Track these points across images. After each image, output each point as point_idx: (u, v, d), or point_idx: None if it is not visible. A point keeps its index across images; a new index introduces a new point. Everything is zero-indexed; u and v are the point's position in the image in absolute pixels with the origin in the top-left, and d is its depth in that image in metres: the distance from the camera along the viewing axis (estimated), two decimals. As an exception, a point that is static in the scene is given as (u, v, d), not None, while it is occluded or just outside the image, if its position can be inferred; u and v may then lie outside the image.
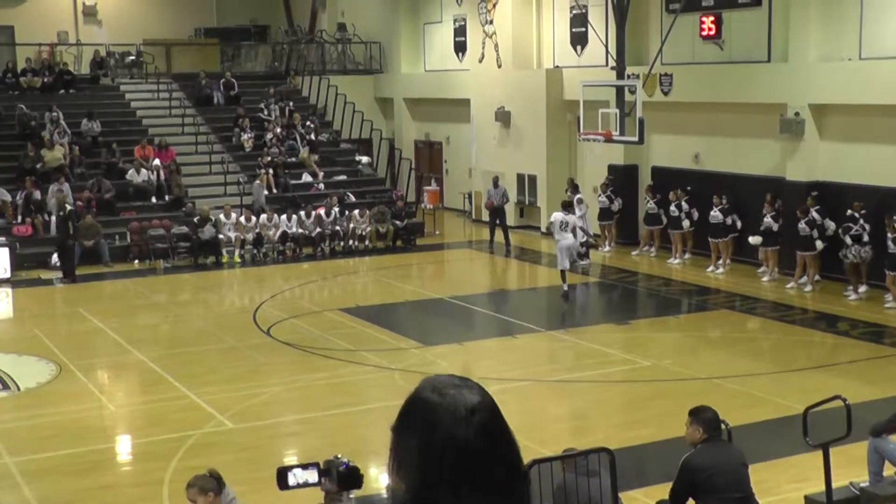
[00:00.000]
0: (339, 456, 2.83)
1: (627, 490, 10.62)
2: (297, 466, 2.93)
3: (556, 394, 15.84)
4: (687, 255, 25.53)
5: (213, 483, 8.31)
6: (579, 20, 29.30)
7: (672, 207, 25.46)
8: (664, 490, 8.80)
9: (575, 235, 22.20)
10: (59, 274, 25.36)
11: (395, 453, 2.41)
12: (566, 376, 16.50)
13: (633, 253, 26.68)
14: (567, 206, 22.50)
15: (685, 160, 26.53)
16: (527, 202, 31.10)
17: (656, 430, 13.36)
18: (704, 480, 8.23)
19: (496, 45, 32.01)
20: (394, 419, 2.46)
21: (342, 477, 2.87)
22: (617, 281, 24.40)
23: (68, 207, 26.16)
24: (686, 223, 25.30)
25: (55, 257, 25.97)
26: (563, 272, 22.07)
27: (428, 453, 2.35)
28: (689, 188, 25.53)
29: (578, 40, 29.77)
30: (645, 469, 12.45)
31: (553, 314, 22.05)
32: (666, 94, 26.32)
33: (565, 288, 22.14)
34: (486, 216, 30.01)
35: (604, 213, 27.45)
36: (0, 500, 12.19)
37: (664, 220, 25.94)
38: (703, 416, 8.51)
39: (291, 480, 2.92)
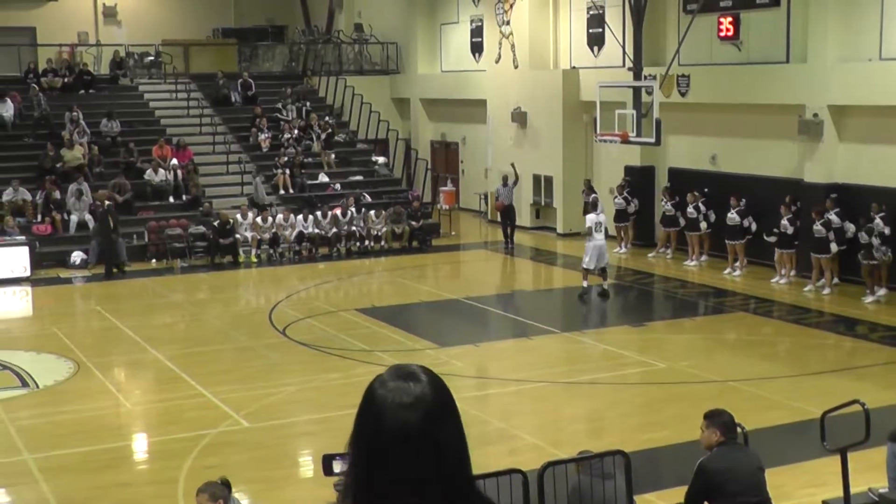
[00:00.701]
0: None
1: (642, 493, 10.60)
2: (342, 454, 2.90)
3: (571, 395, 15.82)
4: (703, 257, 25.47)
5: (224, 491, 8.35)
6: (596, 21, 29.27)
7: (689, 209, 25.40)
8: (679, 493, 8.78)
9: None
10: (84, 272, 25.52)
11: (350, 449, 2.39)
12: (581, 378, 16.48)
13: (650, 255, 26.64)
14: (595, 206, 22.55)
15: (702, 161, 26.48)
16: (542, 203, 31.08)
17: (672, 432, 13.32)
18: (720, 484, 8.20)
19: (513, 46, 32.01)
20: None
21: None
22: (633, 282, 24.37)
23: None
24: (703, 225, 25.25)
25: (74, 256, 26.11)
26: (586, 271, 22.09)
27: (369, 445, 2.33)
28: (705, 190, 25.47)
29: (595, 41, 29.74)
30: (660, 472, 12.41)
31: (569, 315, 22.04)
32: (683, 95, 26.27)
33: (585, 285, 22.20)
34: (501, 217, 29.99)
35: (620, 215, 27.41)
36: (19, 496, 12.27)
37: (681, 221, 25.88)
38: (718, 420, 8.49)
39: (336, 468, 2.90)
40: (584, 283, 22.19)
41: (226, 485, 8.45)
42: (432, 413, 2.33)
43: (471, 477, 2.42)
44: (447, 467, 2.34)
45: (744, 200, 24.09)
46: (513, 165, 30.42)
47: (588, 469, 8.62)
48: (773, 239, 23.01)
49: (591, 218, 22.20)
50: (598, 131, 24.98)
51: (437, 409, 2.35)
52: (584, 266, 22.11)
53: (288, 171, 30.48)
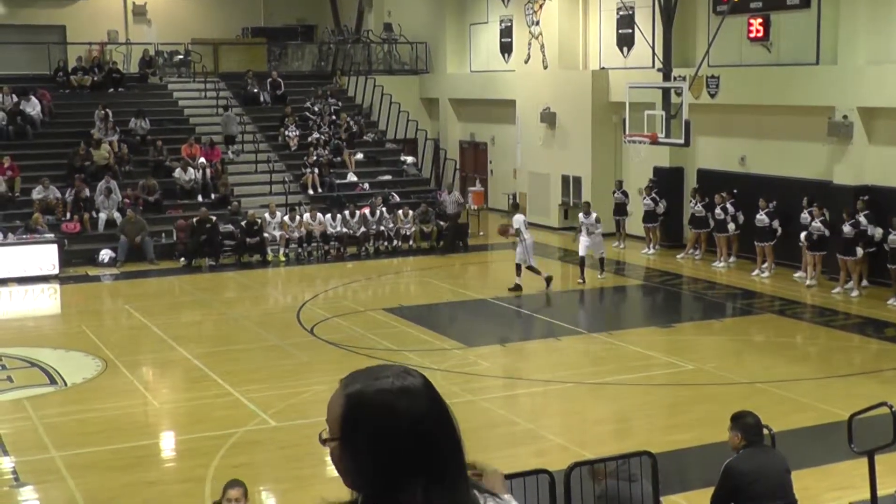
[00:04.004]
0: None
1: (669, 494, 10.57)
2: None
3: (597, 396, 15.79)
4: (732, 259, 25.35)
5: (244, 492, 8.50)
6: (626, 21, 29.20)
7: (717, 210, 25.29)
8: (706, 495, 8.74)
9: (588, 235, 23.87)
10: (112, 270, 25.72)
11: (346, 462, 2.38)
12: (608, 379, 16.44)
13: (679, 256, 26.53)
14: (587, 212, 24.25)
15: (731, 163, 26.37)
16: (571, 204, 31.02)
17: (699, 434, 13.28)
18: (747, 486, 8.16)
19: (542, 46, 31.97)
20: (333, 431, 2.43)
21: None
22: (661, 284, 24.29)
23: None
24: (731, 226, 25.12)
25: (102, 254, 26.27)
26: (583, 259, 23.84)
27: (390, 445, 2.33)
28: (734, 191, 25.35)
29: (625, 41, 29.66)
30: (687, 474, 12.36)
31: (596, 316, 22.01)
32: (712, 96, 26.16)
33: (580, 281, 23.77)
34: (529, 217, 29.87)
35: (648, 216, 27.33)
36: (46, 493, 12.35)
37: (710, 222, 25.76)
38: (742, 422, 8.45)
39: None
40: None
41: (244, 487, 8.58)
42: (433, 396, 2.38)
43: (462, 472, 2.42)
44: (455, 454, 2.37)
45: (774, 202, 23.96)
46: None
47: (615, 471, 8.59)
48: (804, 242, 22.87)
49: (580, 217, 24.38)
50: (627, 132, 24.92)
51: (435, 394, 2.38)
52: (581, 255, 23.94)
53: (316, 171, 30.56)
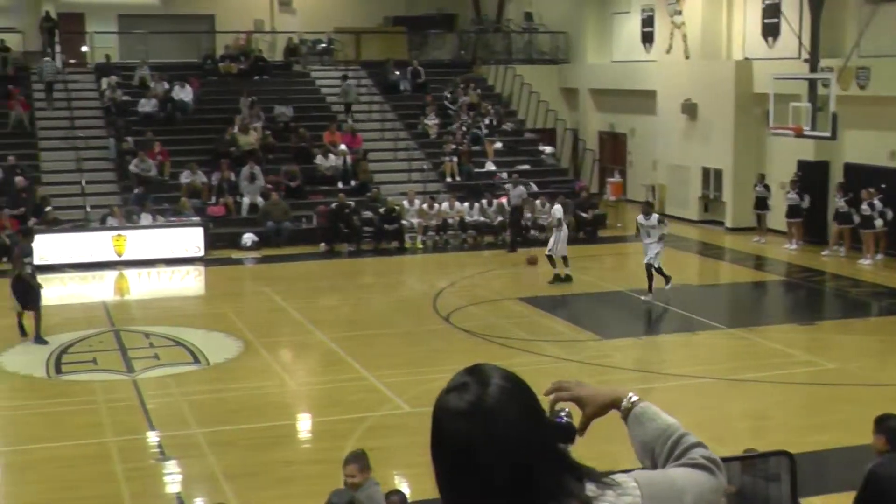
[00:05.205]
0: (564, 409, 2.66)
1: (807, 496, 10.32)
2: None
3: (735, 393, 15.51)
4: (879, 256, 24.59)
5: (367, 460, 8.60)
6: (772, 10, 28.56)
7: (863, 206, 24.56)
8: (846, 499, 8.51)
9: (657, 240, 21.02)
10: (254, 254, 26.27)
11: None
12: (746, 375, 16.14)
13: (823, 252, 25.82)
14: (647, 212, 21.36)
15: (880, 157, 25.54)
16: (711, 196, 30.52)
17: (840, 435, 12.94)
18: (891, 492, 7.91)
19: (684, 36, 31.50)
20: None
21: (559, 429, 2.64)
22: (803, 280, 23.72)
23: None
24: (878, 222, 24.37)
25: (245, 237, 26.85)
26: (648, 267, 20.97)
27: (435, 452, 2.30)
28: (882, 186, 24.58)
29: (770, 31, 29.01)
30: (826, 476, 12.05)
31: (735, 311, 21.62)
32: (862, 87, 25.38)
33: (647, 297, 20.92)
34: (668, 210, 29.57)
35: (792, 210, 26.69)
36: (188, 468, 12.70)
37: (856, 218, 25.03)
38: (887, 425, 8.19)
39: None
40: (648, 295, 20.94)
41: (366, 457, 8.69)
42: (492, 418, 2.24)
43: (568, 467, 2.34)
44: (522, 469, 2.25)
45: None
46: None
47: (752, 469, 8.44)
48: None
49: (639, 219, 21.43)
50: (771, 124, 24.40)
51: (498, 413, 2.25)
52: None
53: (455, 159, 30.71)
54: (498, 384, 2.28)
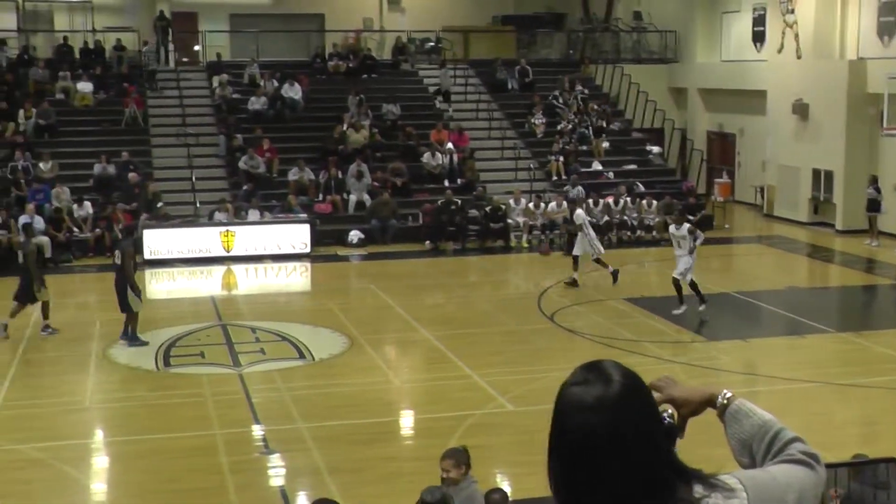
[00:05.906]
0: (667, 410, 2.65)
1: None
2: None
3: (843, 398, 15.23)
4: None
5: (467, 458, 8.56)
6: (888, 9, 27.92)
7: (983, 209, 23.88)
8: (957, 508, 8.33)
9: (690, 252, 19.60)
10: (360, 251, 26.51)
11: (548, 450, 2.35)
12: (856, 380, 15.81)
13: (937, 256, 25.21)
14: (678, 222, 20.09)
15: None
16: (822, 198, 29.95)
17: (953, 444, 12.61)
18: None
19: (796, 35, 30.95)
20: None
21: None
22: (917, 284, 23.15)
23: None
24: None
25: (352, 234, 27.12)
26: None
27: (558, 447, 2.31)
28: None
29: (886, 30, 28.35)
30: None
31: (845, 315, 21.20)
32: (981, 88, 24.70)
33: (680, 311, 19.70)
34: (777, 211, 29.06)
35: (906, 213, 26.08)
36: (293, 461, 12.90)
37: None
38: None
39: None
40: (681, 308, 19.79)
41: (467, 454, 8.64)
42: (617, 413, 2.26)
43: (677, 469, 2.34)
44: (639, 467, 2.26)
45: None
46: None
47: (861, 476, 8.30)
48: None
49: (671, 229, 20.28)
50: (886, 125, 23.85)
51: (622, 410, 2.27)
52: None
53: (562, 159, 30.63)
54: (620, 381, 2.31)
